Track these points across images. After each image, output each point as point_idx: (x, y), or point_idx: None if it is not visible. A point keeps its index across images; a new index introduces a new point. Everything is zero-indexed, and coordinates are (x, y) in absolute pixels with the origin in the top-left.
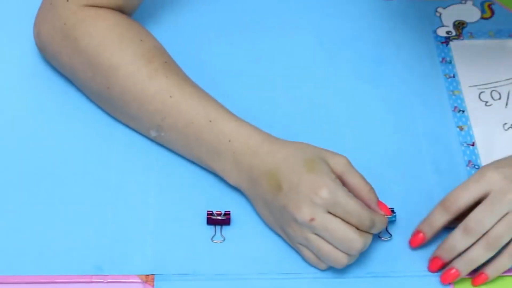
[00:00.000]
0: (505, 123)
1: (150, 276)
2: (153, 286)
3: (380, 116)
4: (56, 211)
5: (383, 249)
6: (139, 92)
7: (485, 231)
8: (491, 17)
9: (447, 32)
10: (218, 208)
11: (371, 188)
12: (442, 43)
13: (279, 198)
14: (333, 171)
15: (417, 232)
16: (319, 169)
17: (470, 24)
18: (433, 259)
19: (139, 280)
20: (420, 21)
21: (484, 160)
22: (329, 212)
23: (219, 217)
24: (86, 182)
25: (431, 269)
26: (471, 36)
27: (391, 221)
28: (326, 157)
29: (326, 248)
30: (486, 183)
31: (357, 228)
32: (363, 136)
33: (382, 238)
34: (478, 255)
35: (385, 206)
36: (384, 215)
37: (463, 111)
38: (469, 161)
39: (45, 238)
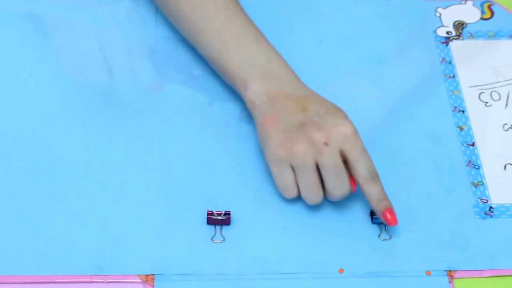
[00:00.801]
0: (505, 124)
1: (150, 276)
2: (153, 286)
3: (380, 116)
4: (56, 210)
5: (383, 249)
6: None
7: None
8: (491, 17)
9: (447, 32)
10: (218, 208)
11: (378, 181)
12: (442, 43)
13: (300, 116)
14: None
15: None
16: (346, 117)
17: (470, 25)
18: (389, 212)
19: (139, 280)
20: (420, 21)
21: (484, 160)
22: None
23: (219, 217)
24: (86, 182)
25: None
26: (471, 36)
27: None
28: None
29: (313, 179)
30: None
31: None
32: (363, 136)
33: (382, 239)
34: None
35: (392, 214)
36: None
37: (463, 111)
38: (469, 161)
39: (45, 238)
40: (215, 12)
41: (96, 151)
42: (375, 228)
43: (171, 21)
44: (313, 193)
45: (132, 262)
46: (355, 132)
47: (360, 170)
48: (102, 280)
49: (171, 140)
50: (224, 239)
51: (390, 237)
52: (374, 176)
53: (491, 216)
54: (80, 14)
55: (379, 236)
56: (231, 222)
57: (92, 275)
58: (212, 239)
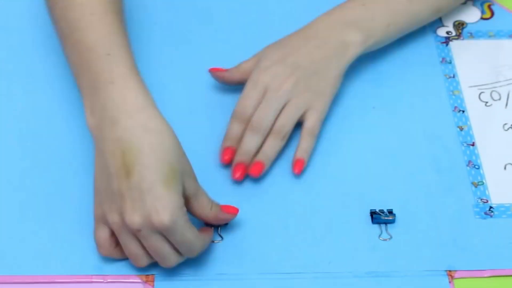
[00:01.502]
0: (505, 124)
1: (150, 276)
2: (153, 286)
3: (380, 116)
4: (56, 210)
5: (383, 249)
6: None
7: (268, 126)
8: (491, 17)
9: (447, 32)
10: None
11: (212, 207)
12: (442, 43)
13: (121, 183)
14: (184, 192)
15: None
16: (175, 187)
17: (470, 25)
18: (236, 166)
19: (139, 280)
20: None
21: (484, 160)
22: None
23: None
24: (86, 182)
25: (236, 177)
26: (471, 36)
27: (390, 222)
28: (184, 174)
29: (136, 251)
30: (262, 86)
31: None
32: (363, 136)
33: (382, 239)
34: (272, 145)
35: (232, 208)
36: (209, 236)
37: (463, 111)
38: (469, 161)
39: (45, 238)
40: (79, 17)
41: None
42: (375, 228)
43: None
44: (134, 259)
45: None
46: (178, 209)
47: (182, 251)
48: (102, 280)
49: None
50: (222, 239)
51: (390, 237)
52: (192, 253)
53: (491, 216)
54: None
55: (379, 236)
56: (231, 222)
57: (92, 275)
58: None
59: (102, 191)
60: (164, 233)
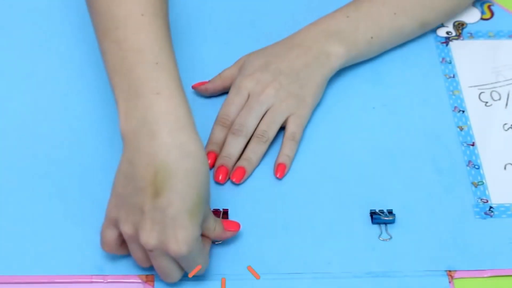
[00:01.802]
0: (505, 124)
1: (150, 276)
2: (153, 286)
3: (380, 116)
4: (56, 211)
5: (383, 249)
6: None
7: (251, 130)
8: (490, 18)
9: (447, 33)
10: (217, 207)
11: (219, 225)
12: (442, 43)
13: (146, 200)
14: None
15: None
16: (197, 219)
17: (470, 25)
18: (218, 169)
19: (139, 280)
20: None
21: (484, 160)
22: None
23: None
24: (87, 182)
25: (218, 179)
26: (471, 36)
27: (390, 222)
28: (206, 199)
29: (141, 256)
30: (245, 92)
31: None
32: (363, 136)
33: (382, 239)
34: (255, 151)
35: (234, 224)
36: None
37: (463, 111)
38: (469, 161)
39: (45, 238)
40: (126, 14)
41: (96, 152)
42: (375, 228)
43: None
44: (139, 261)
45: (132, 262)
46: (194, 241)
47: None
48: (102, 280)
49: None
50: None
51: (390, 237)
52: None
53: (491, 216)
54: None
55: (379, 236)
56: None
57: (92, 275)
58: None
59: (122, 197)
60: (177, 259)
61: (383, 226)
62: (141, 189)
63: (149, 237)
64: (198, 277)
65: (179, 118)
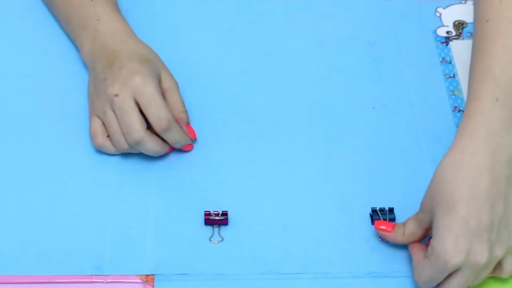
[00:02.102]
0: None
1: (150, 276)
2: (153, 286)
3: (380, 116)
4: (56, 211)
5: (383, 250)
6: None
7: None
8: None
9: (447, 32)
10: (217, 208)
11: (185, 111)
12: (442, 43)
13: (105, 72)
14: (159, 81)
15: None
16: (148, 67)
17: (470, 24)
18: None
19: (139, 280)
20: (420, 21)
21: None
22: (134, 98)
23: (217, 217)
24: (86, 182)
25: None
26: (471, 36)
27: (391, 220)
28: (162, 69)
29: (114, 127)
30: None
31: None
32: (363, 136)
33: (381, 239)
34: None
35: (192, 130)
36: (190, 137)
37: (463, 111)
38: None
39: (45, 238)
40: None
41: (96, 152)
42: (374, 229)
43: None
44: (116, 139)
45: (132, 262)
46: (150, 77)
47: (151, 119)
48: (102, 280)
49: None
50: (222, 239)
51: None
52: (164, 128)
53: None
54: None
55: (379, 237)
56: (230, 222)
57: (92, 275)
58: (210, 239)
59: (93, 96)
60: (136, 96)
61: None
62: (100, 71)
63: (112, 87)
64: (198, 277)
65: (118, 30)
